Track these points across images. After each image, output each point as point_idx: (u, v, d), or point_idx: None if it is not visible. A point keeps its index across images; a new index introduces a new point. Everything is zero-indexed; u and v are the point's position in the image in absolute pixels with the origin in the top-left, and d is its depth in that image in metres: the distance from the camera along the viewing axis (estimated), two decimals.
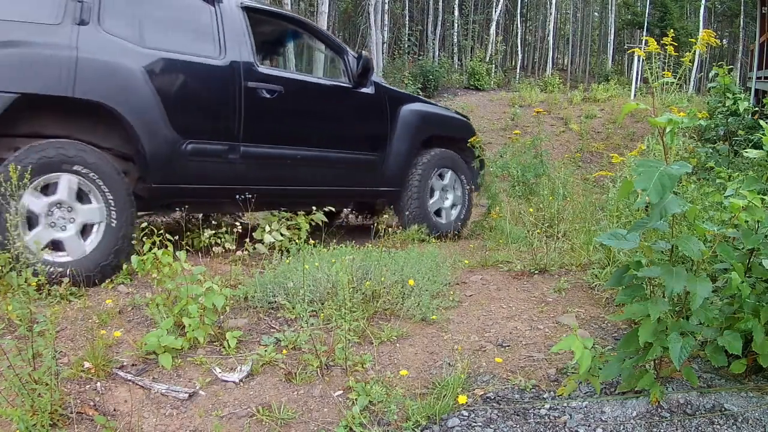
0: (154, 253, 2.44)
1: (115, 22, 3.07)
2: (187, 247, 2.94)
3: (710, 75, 6.11)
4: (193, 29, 3.42)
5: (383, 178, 4.22)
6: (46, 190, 2.79)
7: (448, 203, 4.73)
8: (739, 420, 1.74)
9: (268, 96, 3.52)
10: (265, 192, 3.61)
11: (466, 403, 1.89)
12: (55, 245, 2.80)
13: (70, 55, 2.87)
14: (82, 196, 2.90)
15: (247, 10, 3.61)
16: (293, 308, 2.58)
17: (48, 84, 2.81)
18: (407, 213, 4.34)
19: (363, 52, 4.15)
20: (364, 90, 4.08)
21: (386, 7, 19.60)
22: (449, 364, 2.18)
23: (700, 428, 1.73)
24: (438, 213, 4.64)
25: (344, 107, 4.07)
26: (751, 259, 1.89)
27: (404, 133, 4.24)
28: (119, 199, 2.95)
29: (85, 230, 2.90)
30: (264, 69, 3.64)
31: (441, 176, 4.63)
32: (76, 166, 2.82)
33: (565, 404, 1.88)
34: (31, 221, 2.74)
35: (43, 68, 2.81)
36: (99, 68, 2.95)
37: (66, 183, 2.81)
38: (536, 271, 3.40)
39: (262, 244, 3.55)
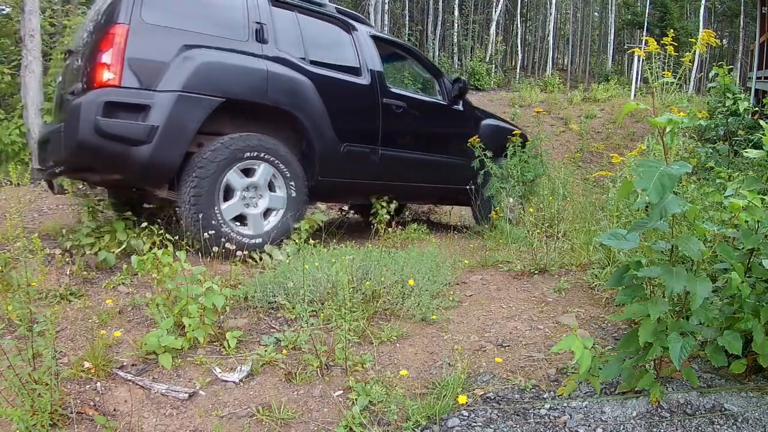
0: (154, 253, 2.44)
1: (285, 43, 3.73)
2: (187, 247, 2.94)
3: (710, 75, 6.11)
4: (340, 53, 4.18)
5: (469, 178, 4.77)
6: (248, 172, 3.43)
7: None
8: (739, 420, 1.74)
9: (395, 110, 4.27)
10: (392, 187, 4.32)
11: (466, 403, 1.89)
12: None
13: (262, 68, 3.46)
14: (272, 185, 3.54)
15: (374, 38, 4.42)
16: (293, 308, 2.58)
17: (247, 91, 3.39)
18: (484, 208, 5.00)
19: (461, 77, 5.10)
20: (456, 107, 4.88)
21: (386, 7, 19.60)
22: (449, 364, 2.18)
23: (700, 428, 1.73)
24: None
25: (444, 121, 4.83)
26: (751, 259, 1.89)
27: (484, 142, 4.85)
28: (298, 182, 3.62)
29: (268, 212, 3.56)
30: (393, 88, 4.39)
31: None
32: (267, 155, 3.44)
33: (565, 404, 1.88)
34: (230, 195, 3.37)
35: (242, 78, 3.38)
36: (284, 80, 3.57)
37: (262, 167, 3.46)
38: (536, 271, 3.40)
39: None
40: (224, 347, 2.22)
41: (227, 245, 2.91)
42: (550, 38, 27.43)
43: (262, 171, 3.43)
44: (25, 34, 5.90)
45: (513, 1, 28.00)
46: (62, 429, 1.67)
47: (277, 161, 3.48)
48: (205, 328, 2.23)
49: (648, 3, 25.28)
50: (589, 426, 1.76)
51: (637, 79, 17.31)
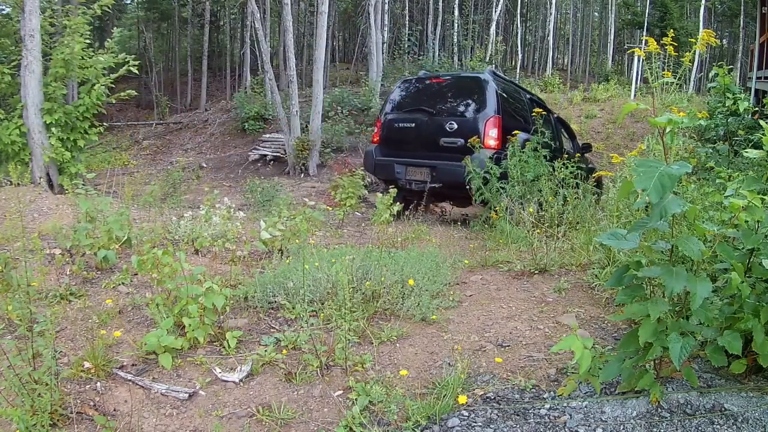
0: (154, 253, 2.44)
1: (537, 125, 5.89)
2: (187, 247, 2.94)
3: (710, 75, 6.12)
4: (549, 127, 6.31)
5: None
6: None
7: None
8: (739, 420, 1.74)
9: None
10: None
11: (466, 403, 1.89)
12: None
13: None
14: None
15: (557, 119, 7.38)
16: (293, 308, 2.58)
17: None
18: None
19: (589, 142, 8.51)
20: (581, 156, 7.05)
21: (386, 7, 19.59)
22: (449, 364, 2.18)
23: (700, 428, 1.73)
24: None
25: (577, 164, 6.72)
26: (751, 259, 1.89)
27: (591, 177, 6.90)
28: None
29: None
30: (565, 146, 7.18)
31: None
32: None
33: (565, 404, 1.88)
34: None
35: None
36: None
37: None
38: (536, 271, 3.39)
39: (261, 241, 3.57)
40: (224, 347, 2.22)
41: None
42: (550, 38, 27.40)
43: None
44: (25, 34, 5.90)
45: (513, 1, 27.97)
46: (62, 429, 1.67)
47: None
48: (205, 328, 2.23)
49: (648, 3, 25.24)
50: (589, 426, 1.76)
51: (637, 79, 17.29)
